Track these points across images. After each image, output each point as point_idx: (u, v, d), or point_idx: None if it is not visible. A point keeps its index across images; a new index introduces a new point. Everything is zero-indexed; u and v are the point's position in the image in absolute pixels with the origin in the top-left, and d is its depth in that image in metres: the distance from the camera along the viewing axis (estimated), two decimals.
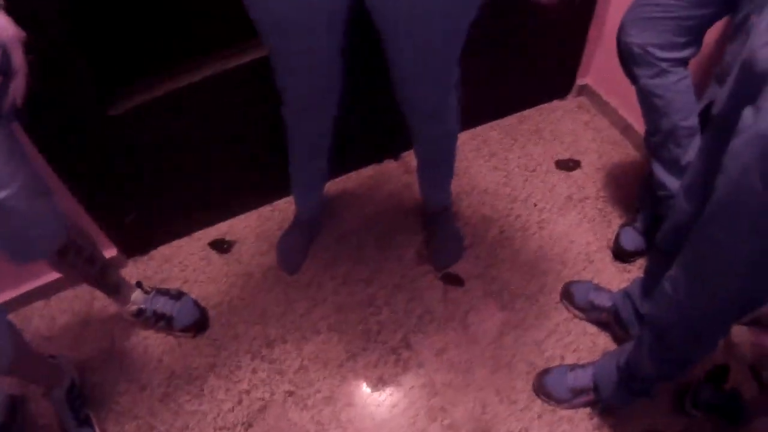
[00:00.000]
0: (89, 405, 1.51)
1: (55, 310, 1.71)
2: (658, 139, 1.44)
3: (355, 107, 1.42)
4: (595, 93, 2.11)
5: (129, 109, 1.44)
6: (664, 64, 1.33)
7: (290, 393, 1.49)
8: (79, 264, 1.36)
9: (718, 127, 0.95)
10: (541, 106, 2.16)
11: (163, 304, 1.59)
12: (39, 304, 1.73)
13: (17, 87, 0.87)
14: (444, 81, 1.25)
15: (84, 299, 1.72)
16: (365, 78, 1.45)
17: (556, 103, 2.17)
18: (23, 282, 1.70)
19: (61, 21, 1.18)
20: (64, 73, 1.26)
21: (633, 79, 1.40)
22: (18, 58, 0.86)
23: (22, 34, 0.86)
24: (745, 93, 0.80)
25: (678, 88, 1.35)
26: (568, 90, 2.17)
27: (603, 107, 2.09)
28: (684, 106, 1.37)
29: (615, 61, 1.43)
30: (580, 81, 2.14)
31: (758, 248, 0.82)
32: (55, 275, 1.70)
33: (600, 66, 2.04)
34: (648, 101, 1.40)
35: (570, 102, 2.18)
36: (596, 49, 2.00)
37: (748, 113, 0.78)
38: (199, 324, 1.62)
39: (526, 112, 2.14)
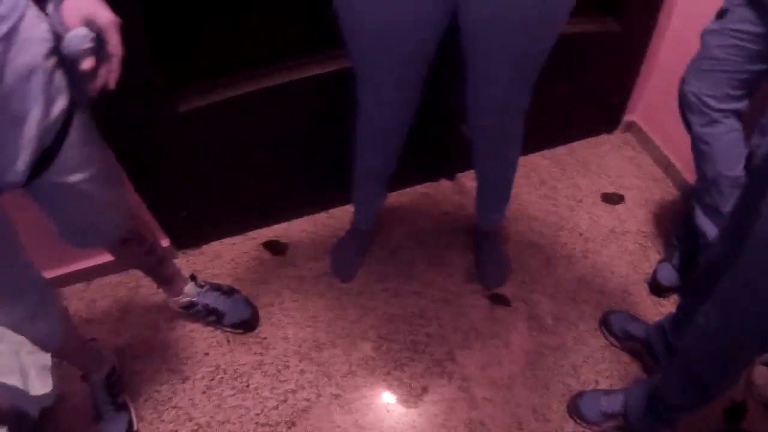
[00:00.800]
0: (127, 392, 1.59)
1: (95, 294, 1.80)
2: (702, 186, 1.57)
3: (416, 125, 1.51)
4: (641, 130, 2.23)
5: (198, 108, 1.53)
6: (716, 114, 1.46)
7: (336, 396, 1.59)
8: (139, 253, 1.43)
9: (758, 176, 1.07)
10: (590, 138, 2.29)
11: (214, 299, 1.68)
12: (79, 287, 1.82)
13: (112, 71, 0.89)
14: (520, 105, 1.34)
15: (128, 286, 1.81)
16: (430, 96, 1.52)
17: (603, 137, 2.30)
18: (65, 263, 1.77)
19: (139, 13, 1.25)
20: (138, 66, 1.30)
21: (687, 125, 1.54)
22: (114, 43, 0.87)
23: (119, 19, 0.87)
24: None
25: (727, 139, 1.48)
26: (615, 125, 2.29)
27: (647, 144, 2.22)
28: (730, 157, 1.49)
29: (662, 101, 1.55)
30: (627, 117, 2.27)
31: None
32: (98, 259, 1.78)
33: (647, 105, 2.17)
34: (698, 148, 1.53)
35: (617, 137, 2.31)
36: (645, 89, 2.13)
37: None
38: (250, 322, 1.70)
39: (574, 144, 2.27)
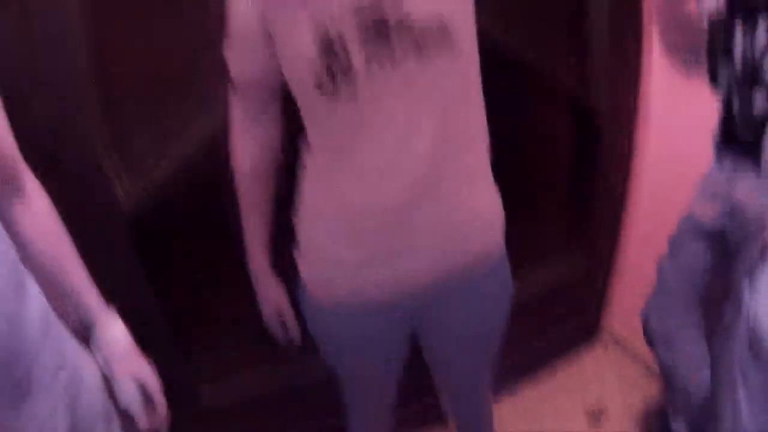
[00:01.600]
0: None
1: None
2: (672, 394, 1.71)
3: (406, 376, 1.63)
4: (620, 337, 2.41)
5: (222, 402, 1.78)
6: (679, 341, 1.61)
7: None
8: None
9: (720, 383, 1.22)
10: (569, 353, 2.44)
11: None
12: None
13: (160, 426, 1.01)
14: (482, 386, 1.60)
15: None
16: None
17: (583, 348, 2.46)
18: None
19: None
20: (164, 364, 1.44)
21: (652, 349, 1.70)
22: (161, 407, 1.00)
23: (161, 383, 1.01)
24: None
25: (692, 358, 1.60)
26: (593, 336, 2.46)
27: (626, 350, 2.38)
28: (696, 374, 1.60)
29: (637, 307, 1.72)
30: (604, 325, 2.45)
31: None
32: None
33: (623, 311, 2.35)
34: (665, 370, 1.69)
35: (595, 347, 2.47)
36: (620, 299, 2.34)
37: None
38: None
39: (555, 362, 2.41)
